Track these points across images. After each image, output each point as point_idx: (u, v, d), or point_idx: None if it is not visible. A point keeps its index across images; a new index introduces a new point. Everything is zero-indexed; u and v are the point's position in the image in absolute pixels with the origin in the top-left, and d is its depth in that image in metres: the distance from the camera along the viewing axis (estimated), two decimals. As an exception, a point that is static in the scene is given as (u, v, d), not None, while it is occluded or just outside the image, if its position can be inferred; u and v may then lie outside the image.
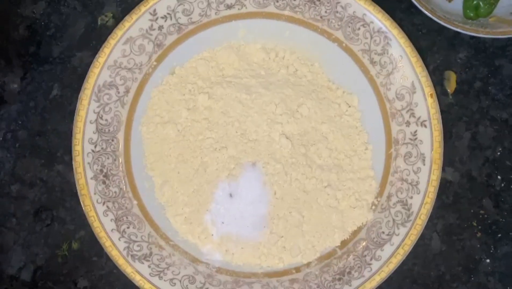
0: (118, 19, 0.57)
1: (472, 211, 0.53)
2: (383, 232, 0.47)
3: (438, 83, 0.55)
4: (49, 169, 0.54)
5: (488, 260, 0.52)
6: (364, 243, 0.47)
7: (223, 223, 0.49)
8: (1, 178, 0.54)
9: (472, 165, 0.54)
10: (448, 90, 0.55)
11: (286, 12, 0.51)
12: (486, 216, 0.53)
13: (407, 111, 0.48)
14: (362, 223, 0.49)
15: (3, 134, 0.54)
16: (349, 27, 0.50)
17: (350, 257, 0.47)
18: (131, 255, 0.45)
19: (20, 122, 0.55)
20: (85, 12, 0.57)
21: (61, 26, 0.57)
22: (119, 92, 0.49)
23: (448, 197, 0.53)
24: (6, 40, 0.57)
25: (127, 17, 0.49)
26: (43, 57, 0.56)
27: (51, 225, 0.53)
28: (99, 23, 0.57)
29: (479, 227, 0.53)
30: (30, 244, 0.53)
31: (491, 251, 0.52)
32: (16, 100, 0.55)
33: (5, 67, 0.56)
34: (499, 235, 0.52)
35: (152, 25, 0.49)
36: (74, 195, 0.53)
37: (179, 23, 0.50)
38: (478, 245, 0.52)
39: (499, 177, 0.53)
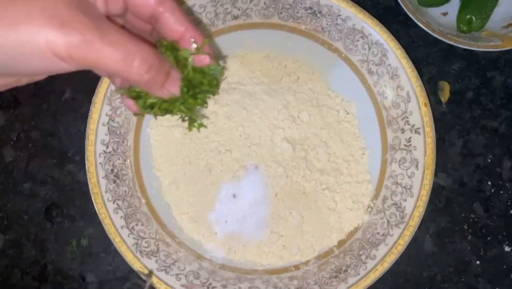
0: (128, 27, 0.59)
1: (463, 215, 0.55)
2: (378, 233, 0.49)
3: (432, 92, 0.57)
4: (60, 169, 0.56)
5: (478, 262, 0.54)
6: (360, 243, 0.49)
7: (226, 222, 0.51)
8: (14, 176, 0.56)
9: (464, 171, 0.56)
10: (442, 100, 0.58)
11: (289, 23, 0.53)
12: (476, 220, 0.55)
13: (402, 119, 0.51)
14: (359, 224, 0.51)
15: (17, 134, 0.57)
16: (349, 38, 0.52)
17: (347, 256, 0.49)
18: (140, 251, 0.47)
19: (33, 123, 0.57)
20: (97, 19, 0.60)
21: (74, 32, 0.59)
22: (130, 96, 0.51)
23: (440, 201, 0.55)
24: (21, 44, 0.59)
25: (139, 26, 0.51)
26: (56, 61, 0.59)
27: (61, 222, 0.55)
28: (110, 30, 0.59)
29: (470, 230, 0.55)
30: (40, 240, 0.54)
31: (481, 253, 0.54)
32: (29, 102, 0.57)
33: (20, 70, 0.58)
34: (489, 238, 0.55)
35: (162, 34, 0.52)
36: (83, 193, 0.55)
37: (188, 32, 0.53)
38: (469, 248, 0.54)
39: (489, 183, 0.56)
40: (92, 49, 0.24)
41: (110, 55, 0.25)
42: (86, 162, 0.49)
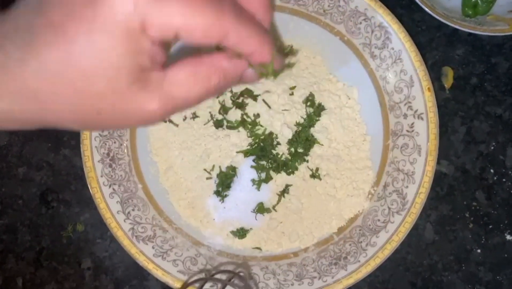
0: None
1: (465, 203, 0.54)
2: (379, 220, 0.48)
3: (436, 78, 0.56)
4: (55, 153, 0.55)
5: (479, 250, 0.53)
6: (360, 230, 0.49)
7: (224, 208, 0.50)
8: (9, 160, 0.55)
9: (466, 159, 0.55)
10: (445, 85, 0.57)
11: (290, 5, 0.52)
12: (478, 208, 0.54)
13: (405, 104, 0.50)
14: (359, 211, 0.50)
15: (11, 118, 0.55)
16: (351, 21, 0.51)
17: (347, 243, 0.48)
18: (136, 236, 0.47)
19: (28, 107, 0.56)
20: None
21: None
22: (126, 79, 0.50)
23: (442, 189, 0.55)
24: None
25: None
26: (52, 43, 0.57)
27: (57, 207, 0.54)
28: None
29: (471, 218, 0.54)
30: (36, 225, 0.54)
31: (482, 241, 0.54)
32: (24, 85, 0.56)
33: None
34: (490, 227, 0.54)
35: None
36: (79, 178, 0.54)
37: (186, 13, 0.51)
38: (470, 236, 0.54)
39: (492, 170, 0.55)
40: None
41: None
42: (81, 145, 0.48)
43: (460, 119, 0.56)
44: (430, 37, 0.57)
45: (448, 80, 0.57)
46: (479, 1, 0.54)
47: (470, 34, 0.56)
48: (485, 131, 0.56)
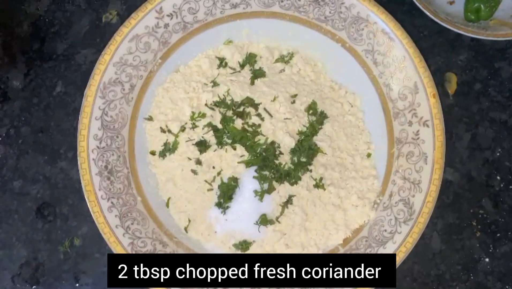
0: (122, 17, 0.57)
1: (471, 211, 0.53)
2: (385, 230, 0.47)
3: (439, 84, 0.55)
4: (52, 166, 0.53)
5: (487, 259, 0.52)
6: (366, 241, 0.47)
7: (226, 220, 0.49)
8: (4, 174, 0.53)
9: (472, 166, 0.54)
10: (449, 91, 0.56)
11: (291, 12, 0.51)
12: (485, 216, 0.53)
13: (410, 111, 0.49)
14: (365, 221, 0.49)
15: (6, 130, 0.54)
16: (353, 27, 0.50)
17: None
18: (135, 252, 0.45)
19: (23, 119, 0.55)
20: (89, 9, 0.57)
21: (65, 23, 0.57)
22: (124, 89, 0.49)
23: (448, 197, 0.53)
24: (10, 36, 0.57)
25: (133, 15, 0.49)
26: (47, 54, 0.56)
27: (53, 222, 0.53)
28: (103, 20, 0.57)
29: (479, 226, 0.53)
30: (32, 240, 0.52)
31: (490, 250, 0.52)
32: (19, 96, 0.55)
33: (9, 63, 0.56)
34: (498, 235, 0.53)
35: (158, 23, 0.49)
36: (76, 191, 0.53)
37: (184, 21, 0.50)
38: (478, 245, 0.53)
39: (498, 177, 0.54)
40: None
41: None
42: (78, 158, 0.47)
43: (464, 126, 0.55)
44: (432, 43, 0.57)
45: (452, 86, 0.56)
46: (481, 5, 0.54)
47: (473, 39, 0.55)
48: (490, 137, 0.55)
